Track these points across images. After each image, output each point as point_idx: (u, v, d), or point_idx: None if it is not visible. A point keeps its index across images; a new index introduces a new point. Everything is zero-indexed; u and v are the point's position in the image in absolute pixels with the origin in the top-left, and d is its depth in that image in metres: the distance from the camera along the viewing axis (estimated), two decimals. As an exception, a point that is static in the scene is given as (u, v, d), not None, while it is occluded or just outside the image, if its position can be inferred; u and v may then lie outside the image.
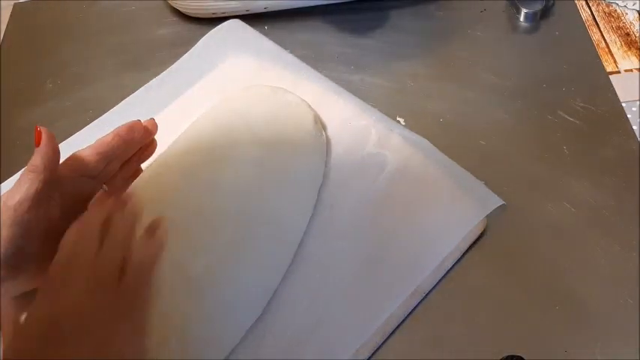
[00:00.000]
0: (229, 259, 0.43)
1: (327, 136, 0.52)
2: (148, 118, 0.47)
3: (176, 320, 0.41)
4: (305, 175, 0.48)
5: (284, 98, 0.52)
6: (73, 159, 0.43)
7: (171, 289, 0.41)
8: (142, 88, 0.58)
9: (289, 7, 0.65)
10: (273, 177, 0.47)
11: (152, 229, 0.41)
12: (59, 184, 0.42)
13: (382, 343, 0.43)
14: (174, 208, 0.45)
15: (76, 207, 0.42)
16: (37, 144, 0.41)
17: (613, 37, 0.62)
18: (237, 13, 0.64)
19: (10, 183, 0.52)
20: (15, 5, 0.71)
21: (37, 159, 0.40)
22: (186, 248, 0.43)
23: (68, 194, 0.42)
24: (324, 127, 0.52)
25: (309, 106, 0.52)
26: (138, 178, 0.47)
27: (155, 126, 0.47)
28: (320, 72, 0.58)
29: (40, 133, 0.41)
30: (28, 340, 0.34)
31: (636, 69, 0.59)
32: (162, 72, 0.60)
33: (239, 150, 0.47)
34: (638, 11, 0.64)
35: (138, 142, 0.46)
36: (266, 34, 0.62)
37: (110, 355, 0.35)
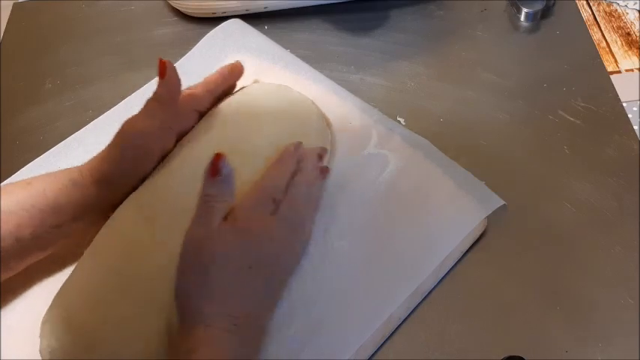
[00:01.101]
0: None
1: (332, 132, 0.52)
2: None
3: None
4: None
5: (289, 95, 0.52)
6: (190, 95, 0.47)
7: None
8: (142, 88, 0.58)
9: (289, 7, 0.65)
10: None
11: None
12: (177, 115, 0.46)
13: (383, 343, 0.43)
14: (181, 202, 0.44)
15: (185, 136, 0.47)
16: (162, 76, 0.44)
17: (614, 36, 0.62)
18: (237, 13, 0.64)
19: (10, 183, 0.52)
20: (15, 5, 0.71)
21: (163, 90, 0.44)
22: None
23: (182, 126, 0.47)
24: (328, 124, 0.52)
25: (313, 103, 0.52)
26: (154, 173, 0.47)
27: (243, 68, 0.52)
28: (320, 72, 0.57)
29: (164, 64, 0.44)
30: (224, 243, 0.38)
31: (637, 69, 0.59)
32: (162, 72, 0.60)
33: (247, 145, 0.47)
34: (638, 11, 0.64)
35: (234, 83, 0.52)
36: (266, 34, 0.62)
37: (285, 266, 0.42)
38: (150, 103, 0.45)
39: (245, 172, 0.45)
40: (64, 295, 0.42)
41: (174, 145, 0.47)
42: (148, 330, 0.40)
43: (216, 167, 0.38)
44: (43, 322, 0.41)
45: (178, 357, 0.36)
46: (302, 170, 0.45)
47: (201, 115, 0.49)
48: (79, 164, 0.50)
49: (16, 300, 0.45)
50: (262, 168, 0.46)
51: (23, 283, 0.46)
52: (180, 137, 0.47)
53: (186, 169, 0.46)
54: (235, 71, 0.52)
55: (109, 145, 0.44)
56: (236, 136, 0.48)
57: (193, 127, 0.48)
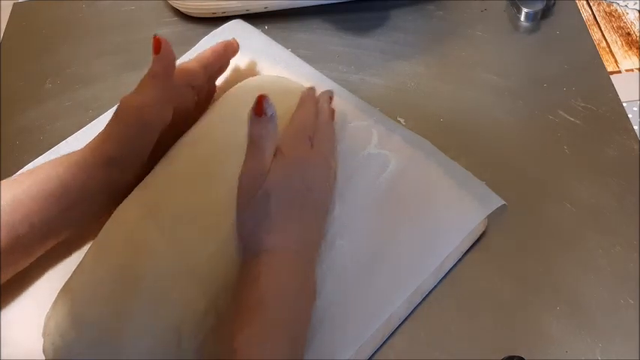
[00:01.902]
0: (228, 252, 0.43)
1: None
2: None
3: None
4: None
5: (289, 86, 0.53)
6: (184, 70, 0.49)
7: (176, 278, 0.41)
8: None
9: (289, 7, 0.65)
10: None
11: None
12: (173, 91, 0.46)
13: (383, 343, 0.43)
14: (181, 196, 0.44)
15: (181, 113, 0.48)
16: (156, 52, 0.45)
17: (614, 36, 0.62)
18: (238, 13, 0.64)
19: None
20: (15, 5, 0.71)
21: (159, 66, 0.46)
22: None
23: (178, 101, 0.47)
24: None
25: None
26: (156, 168, 0.47)
27: (238, 46, 0.55)
28: (320, 72, 0.57)
29: (158, 41, 0.45)
30: (278, 175, 0.41)
31: (637, 69, 0.59)
32: (162, 72, 0.60)
33: (241, 140, 0.47)
34: (638, 11, 0.64)
35: (227, 60, 0.54)
36: (266, 34, 0.62)
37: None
38: (145, 79, 0.46)
39: (235, 171, 0.45)
40: (68, 291, 0.42)
41: (171, 123, 0.47)
42: (155, 326, 0.40)
43: (261, 107, 0.40)
44: (47, 319, 0.41)
45: (245, 285, 0.38)
46: (321, 110, 0.49)
47: (196, 89, 0.50)
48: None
49: (19, 296, 0.45)
50: None
51: (26, 279, 0.46)
52: (178, 110, 0.48)
53: (188, 164, 0.46)
54: (229, 48, 0.54)
55: (109, 124, 0.45)
56: (230, 131, 0.48)
57: (190, 100, 0.49)
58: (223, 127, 0.49)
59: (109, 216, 0.44)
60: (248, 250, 0.40)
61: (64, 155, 0.45)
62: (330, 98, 0.51)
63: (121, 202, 0.45)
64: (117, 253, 0.42)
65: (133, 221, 0.43)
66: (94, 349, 0.39)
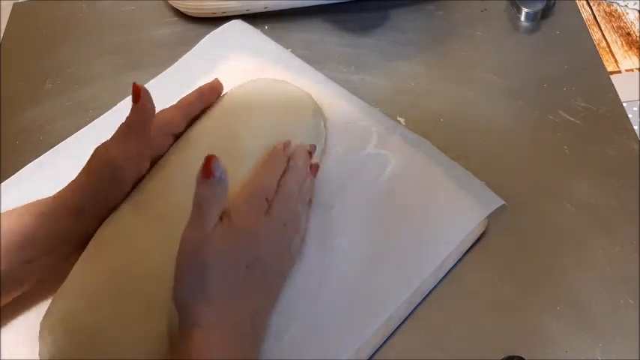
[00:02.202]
0: None
1: (326, 128, 0.52)
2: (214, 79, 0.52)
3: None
4: None
5: (285, 90, 0.52)
6: (163, 121, 0.46)
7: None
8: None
9: (289, 7, 0.65)
10: None
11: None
12: (150, 141, 0.45)
13: (383, 343, 0.43)
14: (176, 201, 0.44)
15: (158, 160, 0.46)
16: (136, 101, 0.43)
17: (614, 36, 0.62)
18: (237, 13, 0.64)
19: (10, 183, 0.52)
20: (15, 5, 0.71)
21: (137, 117, 0.43)
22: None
23: (155, 151, 0.46)
24: (324, 120, 0.52)
25: (310, 97, 0.52)
26: (149, 174, 0.47)
27: (222, 87, 0.52)
28: (320, 72, 0.57)
29: (138, 90, 0.43)
30: (219, 245, 0.38)
31: (637, 69, 0.59)
32: (162, 72, 0.60)
33: (238, 143, 0.47)
34: (638, 11, 0.64)
35: (211, 102, 0.51)
36: (266, 34, 0.62)
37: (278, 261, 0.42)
38: (122, 129, 0.43)
39: (232, 174, 0.45)
40: (62, 297, 0.42)
41: (149, 170, 0.46)
42: (149, 331, 0.40)
43: (208, 169, 0.37)
44: (42, 325, 0.41)
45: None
46: (292, 168, 0.45)
47: (176, 137, 0.48)
48: (79, 164, 0.50)
49: (15, 300, 0.45)
50: (250, 169, 0.46)
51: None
52: (155, 162, 0.46)
53: (181, 169, 0.46)
54: (215, 90, 0.52)
55: (81, 174, 0.43)
56: (227, 135, 0.48)
57: (168, 148, 0.47)
58: (218, 131, 0.49)
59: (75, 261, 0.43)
60: (184, 323, 0.37)
61: (31, 203, 0.43)
62: (310, 153, 0.47)
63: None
64: (109, 258, 0.42)
65: (125, 227, 0.43)
66: (89, 354, 0.39)
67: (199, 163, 0.45)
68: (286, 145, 0.46)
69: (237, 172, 0.45)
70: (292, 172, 0.45)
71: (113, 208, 0.44)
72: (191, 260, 0.37)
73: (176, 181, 0.46)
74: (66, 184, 0.43)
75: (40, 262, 0.42)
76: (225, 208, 0.39)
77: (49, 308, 0.41)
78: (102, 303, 0.40)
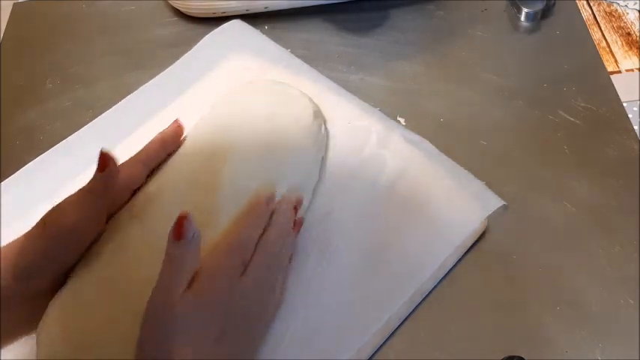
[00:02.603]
0: None
1: (326, 131, 0.52)
2: (175, 122, 0.49)
3: None
4: (300, 170, 0.48)
5: (284, 92, 0.52)
6: (123, 177, 0.43)
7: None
8: (142, 87, 0.58)
9: (289, 7, 0.65)
10: (268, 173, 0.46)
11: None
12: (109, 202, 0.42)
13: (383, 344, 0.43)
14: (174, 207, 0.44)
15: (117, 211, 0.43)
16: (101, 170, 0.40)
17: (614, 36, 0.62)
18: (237, 13, 0.64)
19: (10, 182, 0.52)
20: (15, 5, 0.71)
21: (100, 184, 0.40)
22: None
23: (114, 207, 0.43)
24: (324, 122, 0.52)
25: (310, 100, 0.52)
26: (147, 181, 0.46)
27: (183, 129, 0.49)
28: (320, 72, 0.57)
29: (106, 158, 0.40)
30: (186, 316, 0.35)
31: (637, 69, 0.59)
32: (162, 72, 0.60)
33: (237, 146, 0.47)
34: (638, 11, 0.64)
35: (174, 149, 0.48)
36: (266, 34, 0.62)
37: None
38: (82, 193, 0.40)
39: (231, 177, 0.45)
40: (59, 301, 0.41)
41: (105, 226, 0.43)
42: None
43: (180, 229, 0.35)
44: (40, 328, 0.41)
45: None
46: (275, 225, 0.42)
47: (136, 190, 0.45)
48: (79, 164, 0.50)
49: None
50: (249, 171, 0.45)
51: None
52: (114, 214, 0.43)
53: (179, 176, 0.46)
54: (177, 135, 0.48)
55: (31, 235, 0.39)
56: (226, 138, 0.48)
57: (128, 199, 0.44)
58: (214, 136, 0.48)
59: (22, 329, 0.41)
60: None
61: None
62: (296, 208, 0.44)
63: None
64: (107, 263, 0.41)
65: (121, 231, 0.43)
66: (85, 355, 0.39)
67: (198, 168, 0.44)
68: (270, 197, 0.43)
69: (235, 179, 0.45)
70: (274, 230, 0.41)
71: (65, 273, 0.41)
72: (155, 331, 0.35)
73: (172, 185, 0.45)
74: (14, 241, 0.40)
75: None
76: (197, 268, 0.37)
77: (46, 311, 0.41)
78: (98, 306, 0.40)
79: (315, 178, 0.49)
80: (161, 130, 0.48)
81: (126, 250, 0.42)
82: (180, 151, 0.48)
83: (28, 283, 0.39)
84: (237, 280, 0.38)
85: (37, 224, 0.39)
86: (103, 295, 0.40)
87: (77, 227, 0.39)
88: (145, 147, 0.46)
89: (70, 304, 0.40)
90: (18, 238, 0.40)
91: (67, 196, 0.40)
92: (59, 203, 0.40)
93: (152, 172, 0.46)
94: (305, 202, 0.47)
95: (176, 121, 0.49)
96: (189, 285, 0.36)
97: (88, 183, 0.40)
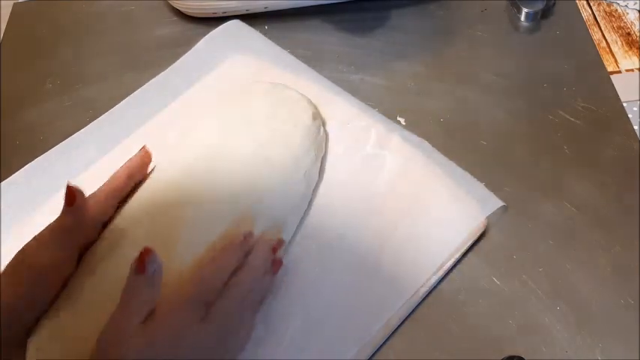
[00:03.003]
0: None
1: (326, 133, 0.52)
2: (142, 150, 0.47)
3: None
4: (299, 172, 0.48)
5: (283, 94, 0.52)
6: (96, 213, 0.42)
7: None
8: (142, 88, 0.58)
9: (289, 7, 0.65)
10: (267, 175, 0.46)
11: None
12: (83, 235, 0.41)
13: (382, 344, 0.43)
14: (172, 207, 0.44)
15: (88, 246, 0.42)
16: (70, 204, 0.39)
17: (614, 36, 0.62)
18: (238, 13, 0.64)
19: (10, 182, 0.52)
20: (15, 5, 0.71)
21: (70, 220, 0.39)
22: (182, 247, 0.42)
23: (85, 243, 0.42)
24: (323, 123, 0.52)
25: (310, 102, 0.52)
26: (144, 182, 0.46)
27: (151, 158, 0.47)
28: (320, 72, 0.57)
29: (73, 193, 0.39)
30: (135, 355, 0.34)
31: (637, 69, 0.59)
32: (162, 72, 0.60)
33: (236, 148, 0.47)
34: (638, 11, 0.64)
35: (142, 178, 0.46)
36: (266, 34, 0.62)
37: None
38: (54, 230, 0.39)
39: (229, 179, 0.45)
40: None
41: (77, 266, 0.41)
42: None
43: (142, 263, 0.35)
44: (29, 344, 0.40)
45: None
46: (248, 266, 0.40)
47: (105, 224, 0.43)
48: (79, 165, 0.50)
49: None
50: (247, 173, 0.45)
51: None
52: (83, 249, 0.42)
53: (174, 176, 0.46)
54: (145, 164, 0.46)
55: (5, 274, 0.38)
56: (225, 139, 0.48)
57: (97, 234, 0.43)
58: (213, 135, 0.49)
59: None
60: None
61: None
62: (275, 248, 0.42)
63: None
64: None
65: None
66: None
67: (195, 169, 0.44)
68: (247, 236, 0.41)
69: (233, 181, 0.45)
70: (247, 271, 0.40)
71: (37, 316, 0.39)
72: (105, 358, 0.34)
73: (171, 188, 0.45)
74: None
75: None
76: (157, 304, 0.36)
77: (37, 327, 0.40)
78: (91, 315, 0.39)
79: (314, 179, 0.49)
80: (160, 130, 0.47)
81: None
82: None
83: (9, 330, 0.38)
84: (195, 324, 0.36)
85: (6, 266, 0.38)
86: (96, 303, 0.40)
87: (46, 267, 0.38)
88: (112, 179, 0.44)
89: (47, 346, 0.39)
90: None
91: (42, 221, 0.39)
92: (30, 243, 0.38)
93: (120, 204, 0.45)
94: (286, 237, 0.45)
95: (143, 148, 0.47)
96: (145, 320, 0.35)
97: (58, 219, 0.39)
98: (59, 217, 0.39)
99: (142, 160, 0.46)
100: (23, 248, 0.38)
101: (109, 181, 0.44)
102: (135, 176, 0.45)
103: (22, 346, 0.38)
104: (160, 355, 0.34)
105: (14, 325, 0.38)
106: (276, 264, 0.43)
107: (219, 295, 0.38)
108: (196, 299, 0.37)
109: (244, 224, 0.43)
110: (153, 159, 0.47)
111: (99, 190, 0.43)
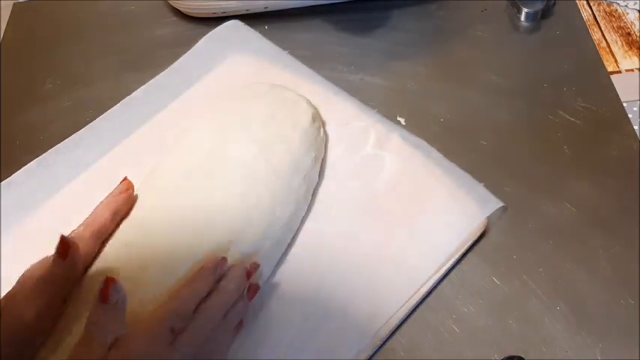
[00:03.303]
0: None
1: (325, 134, 0.52)
2: (124, 183, 0.46)
3: None
4: (299, 173, 0.48)
5: (282, 95, 0.52)
6: (81, 258, 0.41)
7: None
8: (142, 88, 0.58)
9: (289, 7, 0.65)
10: (267, 177, 0.46)
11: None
12: (71, 283, 0.41)
13: (383, 344, 0.43)
14: (170, 209, 0.44)
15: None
16: (63, 257, 0.39)
17: (614, 36, 0.62)
18: (237, 13, 0.64)
19: (10, 182, 0.52)
20: (15, 5, 0.71)
21: (61, 271, 0.39)
22: (180, 248, 0.42)
23: (71, 287, 0.41)
24: (323, 125, 0.52)
25: (309, 103, 0.52)
26: (143, 180, 0.46)
27: (133, 192, 0.46)
28: (320, 72, 0.57)
29: (67, 245, 0.39)
30: None
31: (637, 69, 0.59)
32: (162, 72, 0.60)
33: (236, 149, 0.47)
34: (638, 11, 0.64)
35: (125, 215, 0.45)
36: (266, 34, 0.62)
37: None
38: (41, 280, 0.38)
39: (229, 180, 0.45)
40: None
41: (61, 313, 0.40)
42: None
43: (105, 293, 0.34)
44: None
45: None
46: (219, 290, 0.39)
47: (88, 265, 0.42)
48: (79, 165, 0.50)
49: None
50: (247, 175, 0.45)
51: None
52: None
53: (173, 177, 0.46)
54: (129, 200, 0.45)
55: None
56: (224, 141, 0.48)
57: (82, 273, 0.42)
58: (212, 136, 0.48)
59: None
60: None
61: None
62: (249, 273, 0.41)
63: None
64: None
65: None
66: None
67: (195, 170, 0.43)
68: (220, 263, 0.40)
69: (233, 182, 0.45)
70: (218, 295, 0.39)
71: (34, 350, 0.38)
72: None
73: (171, 189, 0.45)
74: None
75: None
76: (124, 333, 0.35)
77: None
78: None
79: (314, 180, 0.49)
80: (160, 130, 0.47)
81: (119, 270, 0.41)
82: (176, 151, 0.47)
83: None
84: (164, 349, 0.35)
85: None
86: None
87: (30, 321, 0.37)
88: (96, 218, 0.43)
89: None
90: None
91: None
92: (15, 294, 0.38)
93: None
94: (266, 270, 0.44)
95: (126, 183, 0.46)
96: (110, 349, 0.34)
97: (47, 272, 0.38)
98: (51, 266, 0.38)
99: (127, 198, 0.45)
100: (6, 302, 0.37)
101: (92, 218, 0.43)
102: (120, 212, 0.44)
103: None
104: None
105: None
106: (252, 289, 0.42)
107: (190, 320, 0.37)
108: (163, 325, 0.36)
109: (222, 251, 0.42)
110: (151, 159, 0.47)
111: (83, 230, 0.42)
